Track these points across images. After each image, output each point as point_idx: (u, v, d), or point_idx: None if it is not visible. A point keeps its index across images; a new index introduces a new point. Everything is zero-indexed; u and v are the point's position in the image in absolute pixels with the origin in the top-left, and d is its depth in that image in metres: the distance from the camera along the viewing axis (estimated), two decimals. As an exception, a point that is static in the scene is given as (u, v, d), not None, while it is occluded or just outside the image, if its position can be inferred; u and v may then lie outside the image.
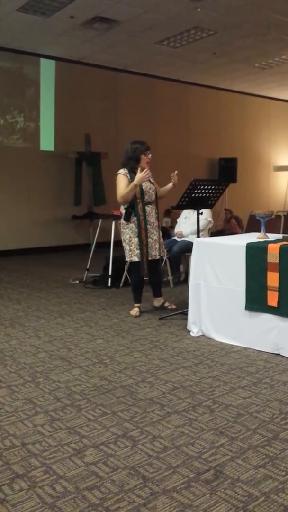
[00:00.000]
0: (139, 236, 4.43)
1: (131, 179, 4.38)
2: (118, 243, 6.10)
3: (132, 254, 4.48)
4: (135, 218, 4.43)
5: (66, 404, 2.70)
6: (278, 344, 3.42)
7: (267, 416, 2.51)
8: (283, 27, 7.80)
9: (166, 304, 4.86)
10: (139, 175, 4.31)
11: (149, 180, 4.50)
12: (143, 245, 4.43)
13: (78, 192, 9.71)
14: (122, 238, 4.57)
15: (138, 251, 4.45)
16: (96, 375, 3.14)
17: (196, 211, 4.48)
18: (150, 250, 4.51)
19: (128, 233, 4.48)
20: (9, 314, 4.79)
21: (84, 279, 6.39)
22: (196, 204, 4.42)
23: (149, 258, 4.51)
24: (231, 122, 12.56)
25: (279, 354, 3.43)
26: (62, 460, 2.13)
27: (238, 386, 2.92)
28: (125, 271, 5.98)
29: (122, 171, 4.45)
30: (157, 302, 4.85)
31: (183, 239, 5.92)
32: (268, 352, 3.47)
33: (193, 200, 4.37)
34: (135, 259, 4.48)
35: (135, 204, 4.42)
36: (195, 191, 4.31)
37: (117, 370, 3.22)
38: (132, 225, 4.45)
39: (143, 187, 4.42)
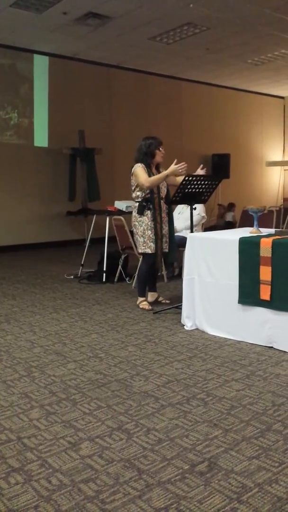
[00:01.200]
0: (155, 229, 4.50)
1: (149, 172, 4.47)
2: (113, 239, 6.14)
3: (145, 247, 4.53)
4: (149, 211, 4.49)
5: (62, 398, 2.72)
6: (270, 337, 3.46)
7: (260, 408, 2.54)
8: (275, 23, 7.81)
9: (160, 299, 4.88)
10: (173, 166, 4.41)
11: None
12: (158, 238, 4.51)
13: (72, 188, 9.70)
14: (134, 231, 4.64)
15: (151, 244, 4.51)
16: (91, 369, 3.16)
17: (189, 207, 4.50)
18: (162, 243, 4.59)
19: (142, 226, 4.52)
20: (4, 309, 4.80)
21: (79, 275, 6.40)
22: (190, 199, 4.44)
23: (163, 250, 4.60)
24: (224, 118, 12.57)
25: (271, 347, 3.46)
26: (58, 453, 2.15)
27: (232, 378, 2.95)
28: (120, 266, 6.00)
29: (140, 165, 4.50)
30: (152, 297, 4.88)
31: (177, 234, 5.93)
32: (261, 345, 3.50)
33: (187, 195, 4.39)
34: (148, 251, 4.54)
35: (151, 198, 4.48)
36: (189, 187, 4.33)
37: (112, 364, 3.24)
38: (145, 218, 4.50)
39: (160, 184, 4.52)
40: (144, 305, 4.67)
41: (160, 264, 4.66)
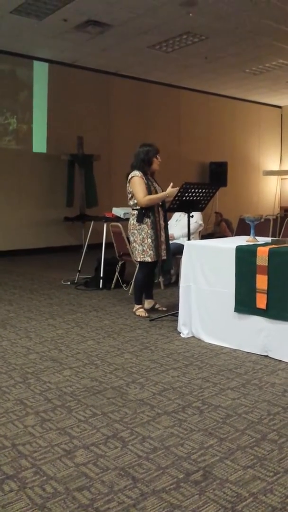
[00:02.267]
0: (156, 237, 4.49)
1: (147, 180, 4.48)
2: (110, 245, 6.14)
3: (145, 255, 4.51)
4: (149, 219, 4.48)
5: (57, 405, 2.71)
6: (266, 345, 3.46)
7: (256, 417, 2.54)
8: (273, 33, 7.88)
9: (157, 306, 4.89)
10: (171, 189, 4.45)
11: (158, 184, 4.61)
12: (159, 246, 4.52)
13: (70, 194, 9.73)
14: (131, 239, 4.59)
15: (151, 252, 4.49)
16: (87, 376, 3.15)
17: (187, 214, 4.51)
18: (162, 251, 4.61)
19: (141, 234, 4.50)
20: (1, 315, 4.79)
21: (75, 281, 6.40)
22: (187, 207, 4.45)
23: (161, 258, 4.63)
24: (222, 127, 12.64)
25: (267, 355, 3.46)
26: (53, 461, 2.14)
27: (227, 387, 2.95)
28: (117, 273, 6.01)
29: (138, 173, 4.46)
30: (148, 304, 4.88)
31: (174, 241, 5.95)
32: (257, 354, 3.50)
33: (184, 203, 4.40)
34: (148, 259, 4.51)
35: (151, 206, 4.47)
36: (186, 194, 4.34)
37: (107, 371, 3.24)
38: (145, 226, 4.48)
39: (158, 191, 4.55)
40: (141, 312, 4.67)
41: (160, 271, 4.68)
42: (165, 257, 4.65)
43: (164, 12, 7.02)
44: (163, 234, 4.63)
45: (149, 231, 4.48)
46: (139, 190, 4.41)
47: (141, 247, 4.51)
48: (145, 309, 4.73)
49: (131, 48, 8.73)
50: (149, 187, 4.46)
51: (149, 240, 4.48)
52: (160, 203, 4.59)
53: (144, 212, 4.47)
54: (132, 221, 4.56)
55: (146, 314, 4.63)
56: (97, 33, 7.86)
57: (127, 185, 4.54)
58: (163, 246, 4.63)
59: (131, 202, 4.57)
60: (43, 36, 8.13)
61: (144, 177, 4.46)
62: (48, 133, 9.75)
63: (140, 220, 4.47)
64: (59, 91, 9.77)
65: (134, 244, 4.57)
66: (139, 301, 4.75)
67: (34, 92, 9.57)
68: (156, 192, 4.53)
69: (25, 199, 9.45)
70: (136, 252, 4.57)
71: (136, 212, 4.52)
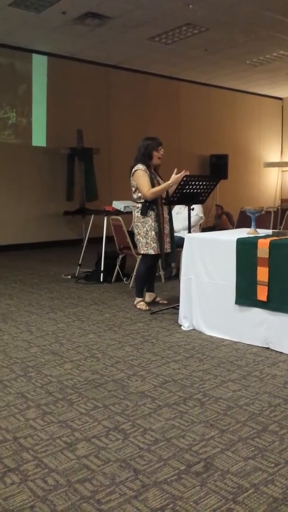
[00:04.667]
0: (160, 229, 4.48)
1: (150, 173, 4.46)
2: (110, 239, 6.14)
3: (148, 247, 4.52)
4: (152, 212, 4.48)
5: (58, 398, 2.72)
6: (267, 338, 3.46)
7: (257, 409, 2.54)
8: (274, 25, 7.83)
9: (158, 299, 4.89)
10: (174, 176, 4.39)
11: (160, 177, 4.59)
12: (161, 238, 4.50)
13: (70, 187, 9.70)
14: (135, 231, 4.61)
15: (154, 244, 4.49)
16: (88, 369, 3.16)
17: (187, 207, 4.50)
18: (165, 244, 4.59)
19: (145, 227, 4.50)
20: (1, 309, 4.79)
21: (76, 274, 6.40)
22: (188, 200, 4.44)
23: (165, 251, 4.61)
24: (222, 119, 12.59)
25: (268, 347, 3.46)
26: (54, 453, 2.15)
27: (228, 379, 2.95)
28: (117, 266, 6.00)
29: (141, 167, 4.46)
30: (149, 297, 4.88)
31: (175, 234, 5.93)
32: (258, 346, 3.50)
33: (185, 196, 4.39)
34: (151, 252, 4.52)
35: (154, 200, 4.46)
36: (187, 187, 4.33)
37: (108, 364, 3.24)
38: (149, 219, 4.48)
39: (160, 184, 4.51)
40: (141, 305, 4.67)
41: (163, 264, 4.67)
42: (169, 250, 4.64)
43: (164, 4, 6.96)
44: (167, 227, 4.61)
45: (152, 224, 4.48)
46: (143, 184, 4.41)
47: (145, 240, 4.51)
48: (146, 302, 4.74)
49: (131, 41, 8.67)
50: (152, 180, 4.45)
51: (153, 232, 4.48)
52: (164, 196, 4.56)
53: (148, 205, 4.47)
54: (137, 213, 4.57)
55: (147, 307, 4.63)
56: (96, 25, 7.81)
57: (131, 178, 4.54)
58: (167, 239, 4.61)
59: (135, 196, 4.57)
60: (42, 29, 8.08)
61: (147, 171, 4.45)
62: (47, 127, 9.71)
63: (144, 213, 4.48)
64: (58, 84, 9.72)
65: (138, 237, 4.58)
66: (140, 294, 4.75)
67: (33, 86, 9.53)
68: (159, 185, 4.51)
69: (24, 193, 9.43)
70: (140, 244, 4.57)
71: (140, 205, 4.52)
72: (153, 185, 4.44)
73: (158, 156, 4.54)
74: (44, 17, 7.49)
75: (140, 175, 4.44)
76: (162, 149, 4.56)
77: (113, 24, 7.80)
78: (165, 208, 4.62)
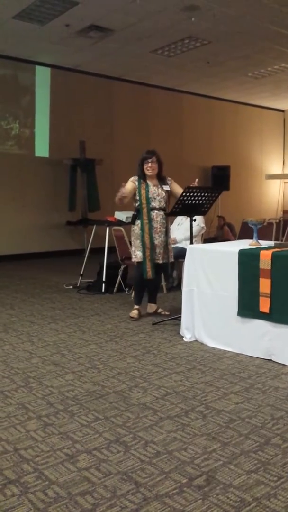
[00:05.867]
0: (142, 238, 4.59)
1: (139, 184, 4.61)
2: (112, 249, 6.14)
3: (133, 255, 4.70)
4: (139, 221, 4.62)
5: (59, 409, 2.70)
6: (270, 349, 3.44)
7: (259, 422, 2.52)
8: (275, 37, 7.89)
9: (160, 310, 4.88)
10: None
11: (162, 187, 4.65)
12: (146, 248, 4.58)
13: (72, 198, 9.73)
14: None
15: (138, 253, 4.63)
16: (89, 380, 3.14)
17: (189, 218, 4.51)
18: (153, 253, 4.60)
19: (133, 235, 4.69)
20: (3, 319, 4.78)
21: (78, 285, 6.39)
22: (190, 211, 4.45)
23: (155, 261, 4.63)
24: (224, 131, 12.64)
25: (270, 359, 3.44)
26: (55, 465, 2.13)
27: (231, 391, 2.93)
28: (119, 277, 6.00)
29: (133, 178, 4.69)
30: (150, 308, 4.88)
31: (176, 245, 5.94)
32: (260, 358, 3.48)
33: (187, 207, 4.40)
34: (135, 259, 4.68)
35: (140, 209, 4.60)
36: (189, 198, 4.34)
37: (110, 375, 3.22)
38: (136, 228, 4.65)
39: (149, 194, 4.59)
40: (132, 313, 4.73)
41: (148, 274, 4.59)
42: (159, 261, 4.64)
43: (166, 17, 7.03)
44: (158, 237, 4.61)
45: (138, 232, 4.62)
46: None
47: (133, 248, 4.72)
48: (139, 312, 4.74)
49: (133, 53, 8.75)
50: (139, 189, 4.59)
51: (137, 241, 4.63)
52: (157, 207, 4.58)
53: (136, 214, 4.66)
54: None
55: (136, 316, 4.69)
56: (99, 38, 7.89)
57: None
58: (158, 250, 4.62)
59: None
60: (46, 41, 8.16)
61: (136, 181, 4.62)
62: (50, 138, 9.77)
63: (133, 222, 4.70)
64: (61, 96, 9.79)
65: (131, 245, 4.79)
66: (136, 302, 4.81)
67: (36, 97, 9.60)
68: (145, 196, 4.56)
69: (27, 203, 9.46)
70: (131, 252, 4.77)
71: (132, 215, 4.75)
72: (139, 193, 4.58)
73: (147, 168, 4.63)
74: (48, 30, 7.56)
75: (126, 184, 4.64)
76: (150, 162, 4.61)
77: (116, 37, 7.88)
78: (159, 219, 4.61)
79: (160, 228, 4.62)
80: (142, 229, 4.57)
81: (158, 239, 4.62)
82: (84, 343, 3.96)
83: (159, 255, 4.63)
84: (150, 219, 4.57)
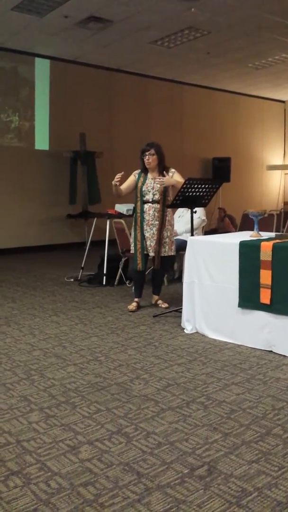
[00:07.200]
0: (134, 231, 4.71)
1: (139, 177, 4.67)
2: (113, 242, 6.14)
3: (131, 248, 4.80)
4: (135, 214, 4.74)
5: (61, 401, 2.71)
6: (270, 341, 3.45)
7: (260, 412, 2.53)
8: (276, 28, 7.83)
9: (159, 302, 4.89)
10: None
11: (156, 180, 4.62)
12: (137, 240, 4.66)
13: (73, 191, 9.72)
14: None
15: (133, 244, 4.75)
16: (91, 372, 3.15)
17: (189, 210, 4.50)
18: (143, 246, 4.65)
19: (131, 228, 4.84)
20: (4, 312, 4.79)
21: (79, 278, 6.40)
22: (190, 203, 4.44)
23: (144, 253, 4.66)
24: (225, 122, 12.59)
25: (271, 351, 3.45)
26: (57, 456, 2.15)
27: (232, 382, 2.94)
28: (120, 269, 6.00)
29: (136, 171, 4.75)
30: (153, 299, 4.92)
31: (177, 237, 5.93)
32: (261, 349, 3.49)
33: (187, 199, 4.39)
34: (132, 252, 4.77)
35: (135, 202, 4.71)
36: (189, 190, 4.33)
37: (111, 367, 3.24)
38: (133, 220, 4.79)
39: (143, 187, 4.61)
40: (130, 306, 4.78)
41: (139, 265, 4.64)
42: (151, 253, 4.65)
43: (166, 8, 6.98)
44: (149, 230, 4.61)
45: (133, 225, 4.74)
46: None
47: (131, 239, 4.87)
48: (138, 304, 4.78)
49: (133, 44, 8.69)
50: (135, 182, 4.66)
51: (133, 233, 4.74)
52: (151, 200, 4.59)
53: (134, 207, 4.78)
54: None
55: (134, 308, 4.72)
56: (98, 29, 7.83)
57: None
58: (149, 242, 4.62)
59: None
60: (45, 33, 8.11)
61: (136, 174, 4.70)
62: (50, 130, 9.73)
63: (133, 214, 4.82)
64: (61, 88, 9.74)
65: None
66: (136, 294, 4.84)
67: (36, 89, 9.55)
68: (140, 189, 4.61)
69: (27, 196, 9.45)
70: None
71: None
72: (132, 187, 4.70)
73: (144, 161, 4.64)
74: (47, 21, 7.51)
75: (129, 177, 4.73)
76: (148, 155, 4.60)
77: (116, 28, 7.83)
78: (151, 212, 4.60)
79: (151, 221, 4.61)
80: (135, 222, 4.69)
81: (150, 232, 4.62)
82: (85, 336, 3.97)
83: (149, 248, 4.63)
84: (142, 212, 4.63)
